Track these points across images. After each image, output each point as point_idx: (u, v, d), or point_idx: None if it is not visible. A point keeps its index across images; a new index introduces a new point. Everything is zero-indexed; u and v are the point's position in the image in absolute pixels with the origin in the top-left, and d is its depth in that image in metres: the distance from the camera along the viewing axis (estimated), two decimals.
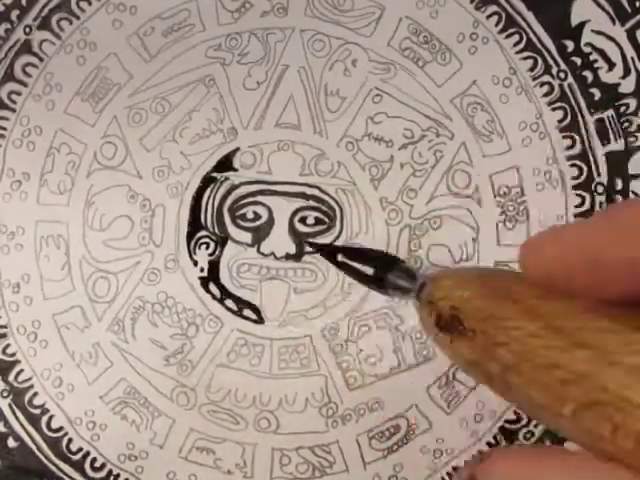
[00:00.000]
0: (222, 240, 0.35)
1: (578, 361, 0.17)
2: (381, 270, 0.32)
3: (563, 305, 0.19)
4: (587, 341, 0.18)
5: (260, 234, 0.35)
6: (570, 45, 0.35)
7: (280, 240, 0.35)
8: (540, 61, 0.35)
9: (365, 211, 0.35)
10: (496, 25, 0.35)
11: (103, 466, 0.35)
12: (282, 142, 0.35)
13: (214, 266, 0.35)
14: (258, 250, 0.35)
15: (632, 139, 0.34)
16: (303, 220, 0.35)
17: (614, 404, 0.17)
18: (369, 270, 0.32)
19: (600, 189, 0.35)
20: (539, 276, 0.20)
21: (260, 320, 0.35)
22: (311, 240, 0.34)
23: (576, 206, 0.35)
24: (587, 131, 0.35)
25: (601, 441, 0.17)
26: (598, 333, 0.18)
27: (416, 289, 0.26)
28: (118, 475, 0.35)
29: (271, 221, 0.35)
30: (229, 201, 0.35)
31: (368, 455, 0.35)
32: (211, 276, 0.35)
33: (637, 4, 0.34)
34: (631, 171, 0.35)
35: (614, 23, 0.34)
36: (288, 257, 0.35)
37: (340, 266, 0.34)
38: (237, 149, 0.35)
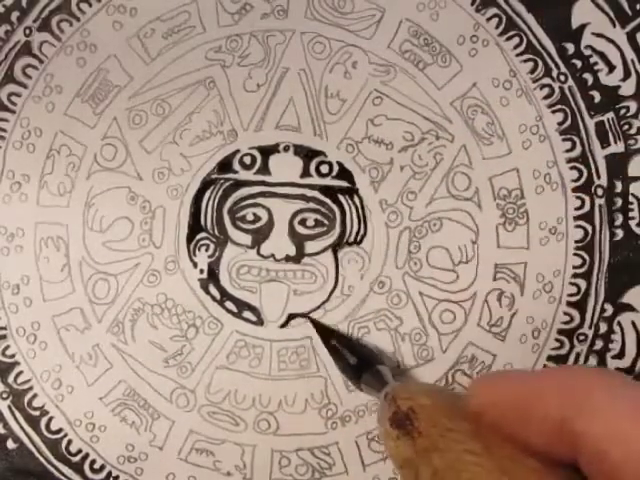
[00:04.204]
0: (222, 242, 0.35)
1: None
2: (361, 366, 0.33)
3: (499, 439, 0.22)
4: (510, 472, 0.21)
5: (260, 236, 0.35)
6: (570, 48, 0.35)
7: (280, 242, 0.35)
8: (540, 63, 0.35)
9: (365, 213, 0.35)
10: (496, 27, 0.35)
11: (102, 468, 0.35)
12: (282, 144, 0.35)
13: (214, 268, 0.35)
14: (258, 252, 0.35)
15: (632, 141, 0.34)
16: (303, 222, 0.35)
17: None
18: (352, 360, 0.33)
19: (600, 192, 0.35)
20: (481, 410, 0.23)
21: (260, 322, 0.35)
22: (315, 321, 0.35)
23: (576, 209, 0.35)
24: (587, 134, 0.35)
25: None
26: (519, 471, 0.21)
27: (383, 394, 0.29)
28: (117, 477, 0.35)
29: (271, 223, 0.35)
30: (229, 203, 0.35)
31: (367, 457, 0.35)
32: (211, 278, 0.35)
33: (637, 7, 0.34)
34: (631, 173, 0.35)
35: (614, 26, 0.34)
36: (288, 259, 0.35)
37: (329, 348, 0.34)
38: (237, 151, 0.35)
